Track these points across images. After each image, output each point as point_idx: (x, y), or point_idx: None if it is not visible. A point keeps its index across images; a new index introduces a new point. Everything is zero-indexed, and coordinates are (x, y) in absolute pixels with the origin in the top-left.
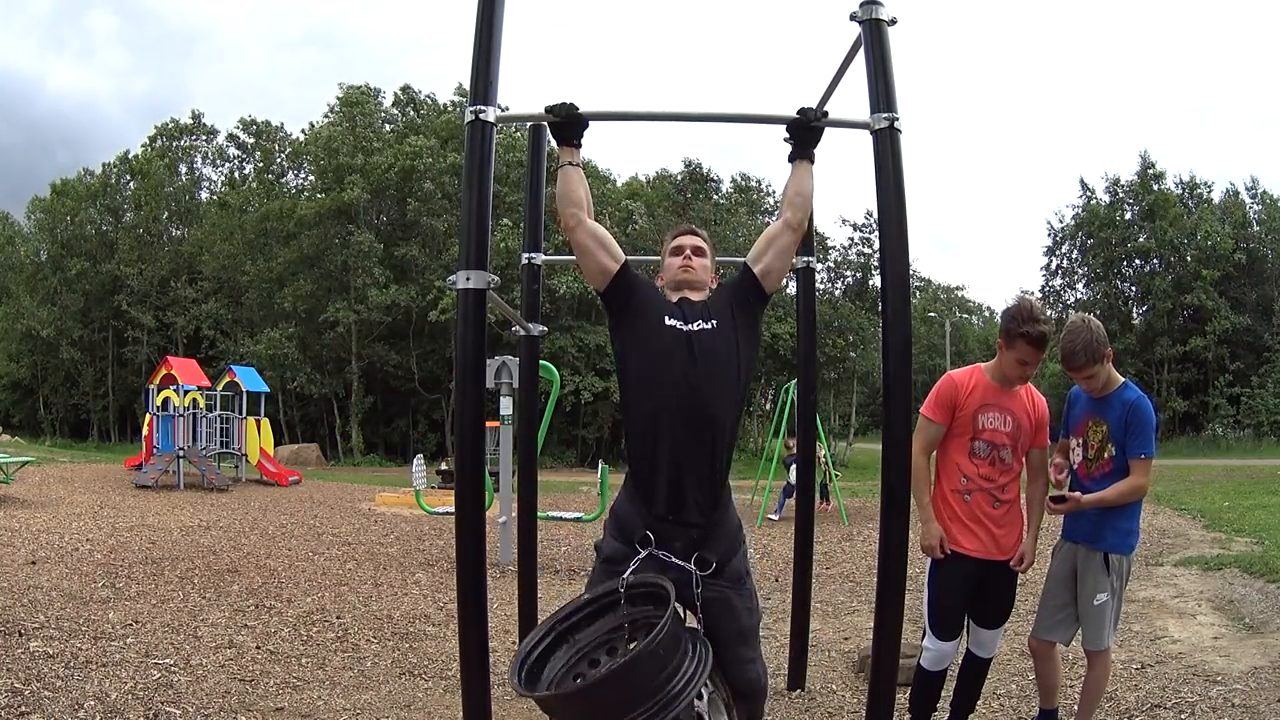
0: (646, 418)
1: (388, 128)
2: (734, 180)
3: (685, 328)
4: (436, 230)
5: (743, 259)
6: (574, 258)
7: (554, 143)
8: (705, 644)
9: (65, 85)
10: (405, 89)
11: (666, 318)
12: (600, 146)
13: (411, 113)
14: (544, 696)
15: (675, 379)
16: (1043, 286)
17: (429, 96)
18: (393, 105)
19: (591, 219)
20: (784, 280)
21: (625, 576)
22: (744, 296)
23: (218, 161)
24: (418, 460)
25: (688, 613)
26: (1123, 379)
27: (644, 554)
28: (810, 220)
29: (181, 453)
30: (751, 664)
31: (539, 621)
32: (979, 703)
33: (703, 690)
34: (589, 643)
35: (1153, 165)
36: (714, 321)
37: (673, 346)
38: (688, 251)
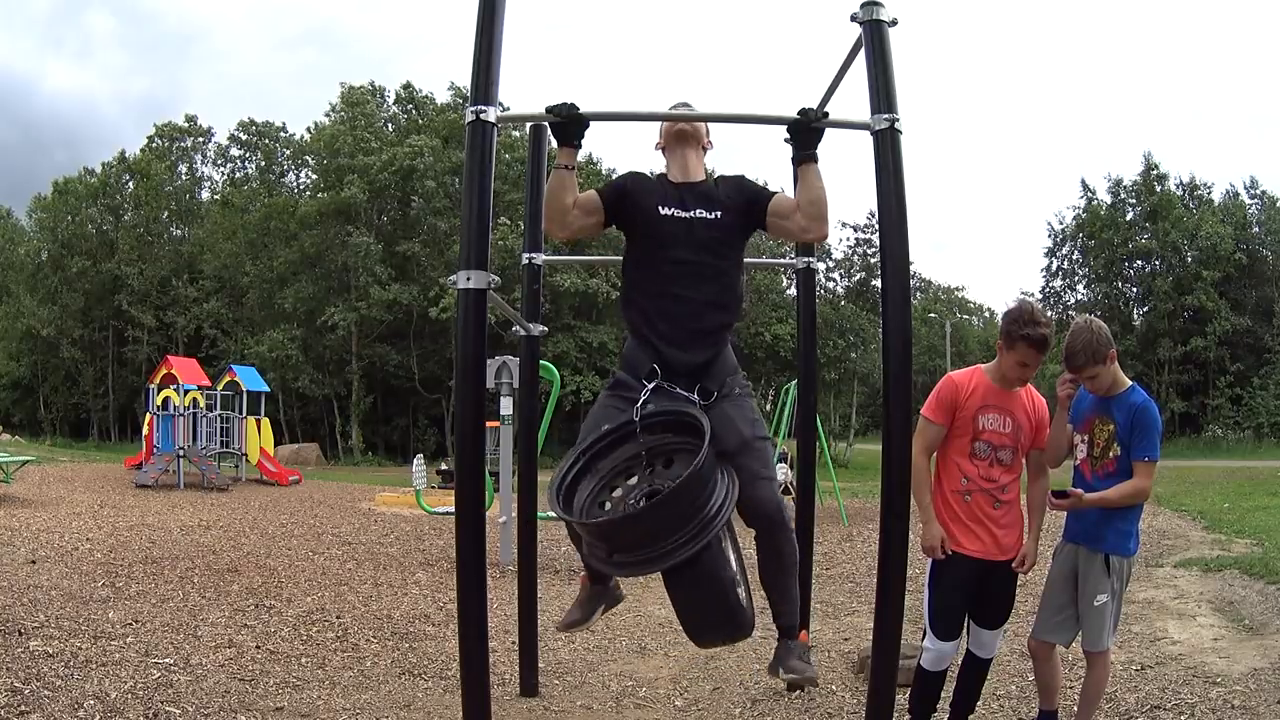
0: (646, 294)
1: (389, 128)
2: None
3: (685, 214)
4: (439, 229)
5: (752, 261)
6: (576, 258)
7: (554, 143)
8: (733, 473)
9: (63, 85)
10: (407, 86)
11: (661, 206)
12: (600, 146)
13: (413, 110)
14: (601, 523)
15: (675, 263)
16: (1043, 287)
17: (428, 95)
18: (394, 104)
19: (574, 213)
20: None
21: (639, 407)
22: (752, 214)
23: (219, 161)
24: (418, 460)
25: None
26: (1130, 382)
27: (651, 385)
28: None
29: (182, 452)
30: (765, 482)
31: (539, 623)
32: (979, 703)
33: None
34: (609, 470)
35: (1156, 166)
36: (718, 213)
37: (672, 236)
38: (681, 109)
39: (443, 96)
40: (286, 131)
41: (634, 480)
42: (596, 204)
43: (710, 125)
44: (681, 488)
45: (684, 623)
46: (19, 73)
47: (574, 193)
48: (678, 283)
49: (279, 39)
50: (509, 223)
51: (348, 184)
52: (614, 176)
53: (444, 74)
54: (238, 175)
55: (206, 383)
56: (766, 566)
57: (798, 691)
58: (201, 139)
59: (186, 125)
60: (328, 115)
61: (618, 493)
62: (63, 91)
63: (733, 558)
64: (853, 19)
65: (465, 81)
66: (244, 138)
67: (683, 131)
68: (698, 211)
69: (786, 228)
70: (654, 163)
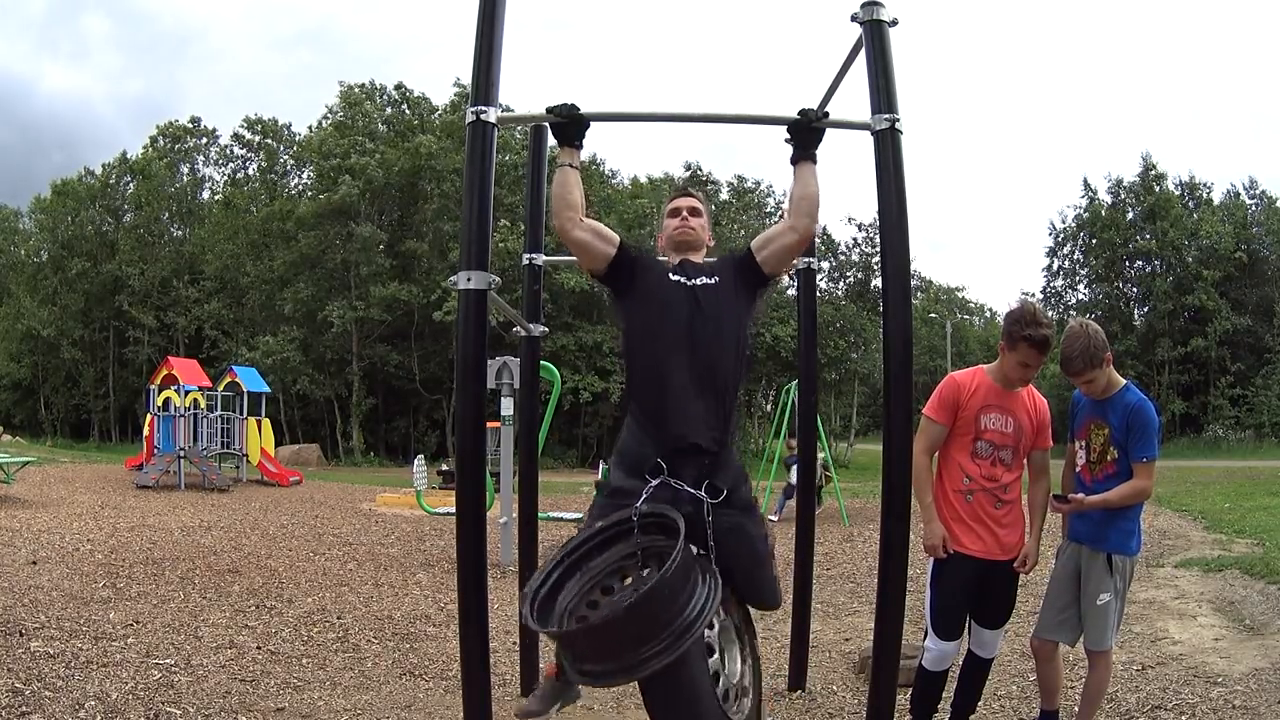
0: (653, 360)
1: (383, 128)
2: (729, 183)
3: (689, 282)
4: (442, 231)
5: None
6: (576, 258)
7: (554, 143)
8: (715, 574)
9: (59, 87)
10: (399, 86)
11: (669, 274)
12: (602, 147)
13: (407, 111)
14: (558, 633)
15: (680, 325)
16: (1044, 287)
17: (422, 95)
18: (388, 105)
19: (583, 217)
20: (785, 271)
21: (638, 505)
22: (744, 269)
23: (220, 161)
24: (418, 461)
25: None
26: (1124, 381)
27: (656, 482)
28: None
29: (182, 453)
30: (771, 584)
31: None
32: (979, 703)
33: (714, 620)
34: (601, 570)
35: (1154, 166)
36: (716, 279)
37: (676, 298)
38: (684, 212)
39: (445, 96)
40: (290, 131)
41: (629, 581)
42: (614, 240)
43: (708, 225)
44: (641, 599)
45: None
46: (16, 74)
47: (580, 190)
48: (681, 348)
49: (275, 39)
50: (508, 224)
51: (342, 183)
52: (614, 175)
53: (443, 75)
54: (239, 175)
55: (207, 384)
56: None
57: (798, 691)
58: (205, 139)
59: (190, 126)
60: (325, 116)
61: (612, 595)
62: (59, 93)
63: (738, 666)
64: (853, 19)
65: (467, 80)
66: (248, 136)
67: (685, 242)
68: (699, 280)
69: (779, 243)
70: (655, 162)
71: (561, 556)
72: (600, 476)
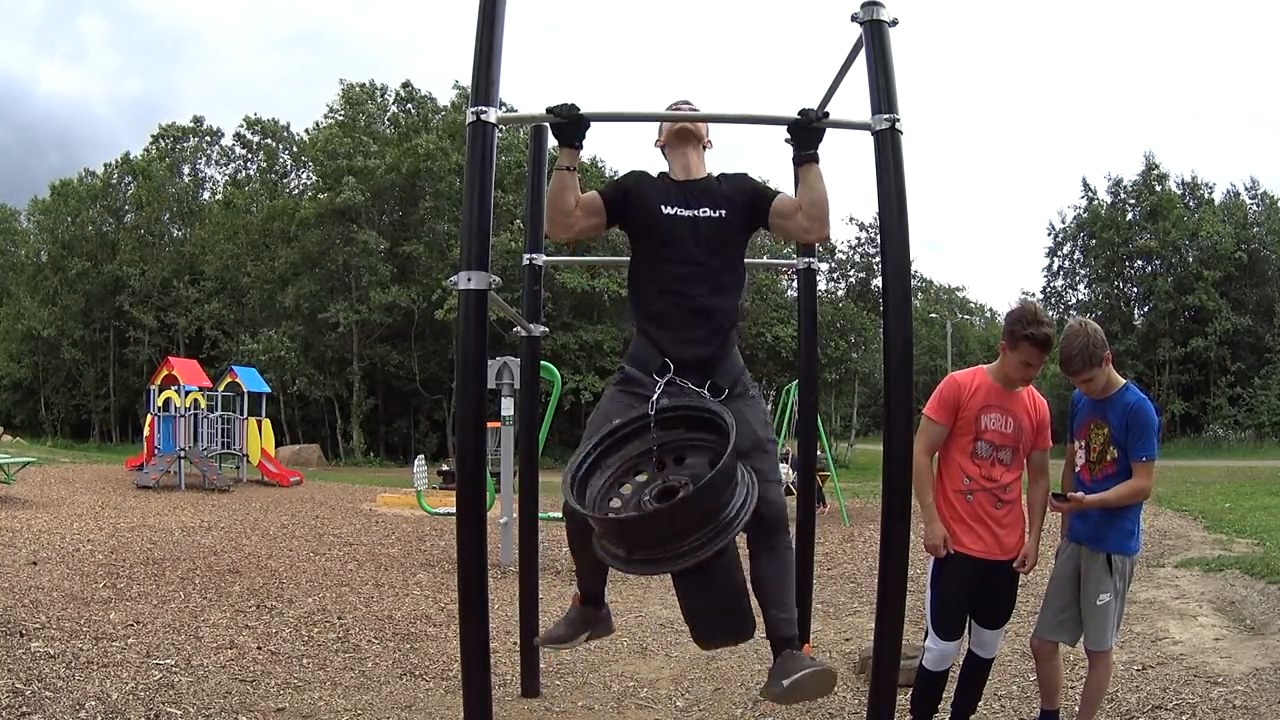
0: (653, 293)
1: (389, 129)
2: None
3: (688, 213)
4: (440, 231)
5: (752, 261)
6: (577, 259)
7: (555, 143)
8: (753, 476)
9: (57, 88)
10: (406, 85)
11: (664, 206)
12: (602, 147)
13: (412, 110)
14: (624, 519)
15: (680, 261)
16: (1044, 287)
17: (428, 95)
18: (394, 103)
19: (577, 213)
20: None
21: (653, 400)
22: (754, 213)
23: (221, 161)
24: (419, 461)
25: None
26: (1124, 381)
27: (665, 380)
28: None
29: (183, 453)
30: (774, 485)
31: (539, 623)
32: (980, 703)
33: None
34: (618, 466)
35: (1156, 166)
36: (722, 212)
37: (676, 234)
38: (682, 108)
39: (444, 97)
40: (290, 131)
41: (643, 477)
42: (599, 205)
43: (711, 126)
44: (708, 485)
45: (693, 624)
46: (13, 75)
47: (576, 194)
48: (683, 280)
49: (272, 40)
50: (520, 226)
51: (345, 185)
52: (616, 176)
53: (441, 75)
54: (240, 176)
55: (207, 384)
56: (769, 570)
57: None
58: (208, 139)
59: (192, 126)
60: (327, 116)
61: (627, 489)
62: (57, 94)
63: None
64: (853, 19)
65: (467, 81)
66: (249, 136)
67: (684, 129)
68: (702, 210)
69: (788, 228)
70: (654, 162)
71: (589, 449)
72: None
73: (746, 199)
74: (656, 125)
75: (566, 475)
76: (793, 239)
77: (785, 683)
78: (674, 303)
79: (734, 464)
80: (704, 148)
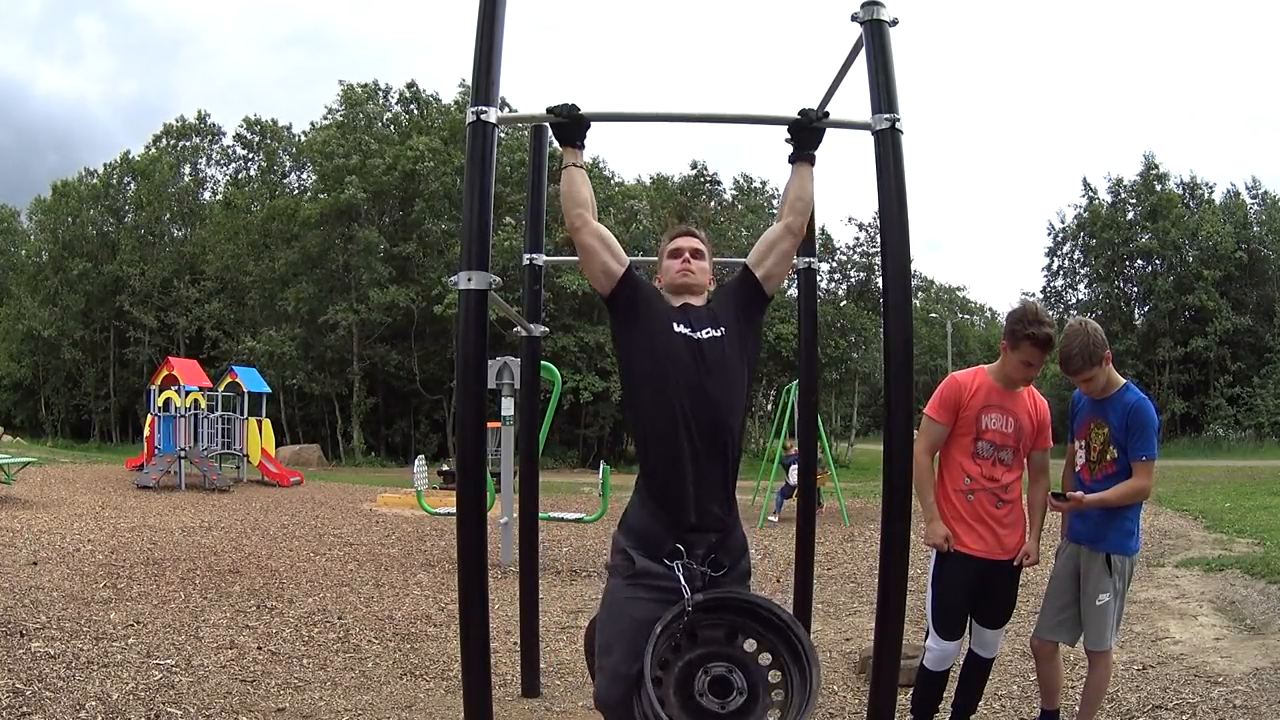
0: (664, 429)
1: (391, 129)
2: (735, 181)
3: (695, 335)
4: (437, 231)
5: (743, 260)
6: (576, 258)
7: (556, 143)
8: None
9: (54, 88)
10: (411, 85)
11: (675, 324)
12: (603, 148)
13: (415, 111)
14: None
15: (689, 388)
16: (1044, 287)
17: (433, 95)
18: (397, 103)
19: (595, 220)
20: (785, 281)
21: (690, 597)
22: (747, 300)
23: (222, 161)
24: (419, 461)
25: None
26: (1124, 380)
27: (677, 567)
28: (811, 221)
29: (183, 453)
30: None
31: (539, 623)
32: (980, 703)
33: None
34: (650, 664)
35: (1156, 166)
36: (722, 329)
37: (683, 354)
38: (686, 254)
39: (448, 96)
40: (291, 131)
41: (667, 668)
42: (624, 261)
43: (709, 268)
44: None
45: None
46: (11, 76)
47: (588, 188)
48: (693, 410)
49: (269, 41)
50: (511, 223)
51: (347, 184)
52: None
53: (436, 76)
54: (240, 176)
55: (208, 384)
56: None
57: None
58: (210, 138)
59: (196, 123)
60: (326, 116)
61: (662, 686)
62: (54, 94)
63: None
64: (853, 19)
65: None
66: (248, 136)
67: (686, 286)
68: (705, 332)
69: (778, 248)
70: (656, 163)
71: (649, 673)
72: (600, 477)
73: (732, 297)
74: (656, 125)
75: (650, 696)
76: (786, 259)
77: None
78: (683, 445)
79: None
80: (706, 294)
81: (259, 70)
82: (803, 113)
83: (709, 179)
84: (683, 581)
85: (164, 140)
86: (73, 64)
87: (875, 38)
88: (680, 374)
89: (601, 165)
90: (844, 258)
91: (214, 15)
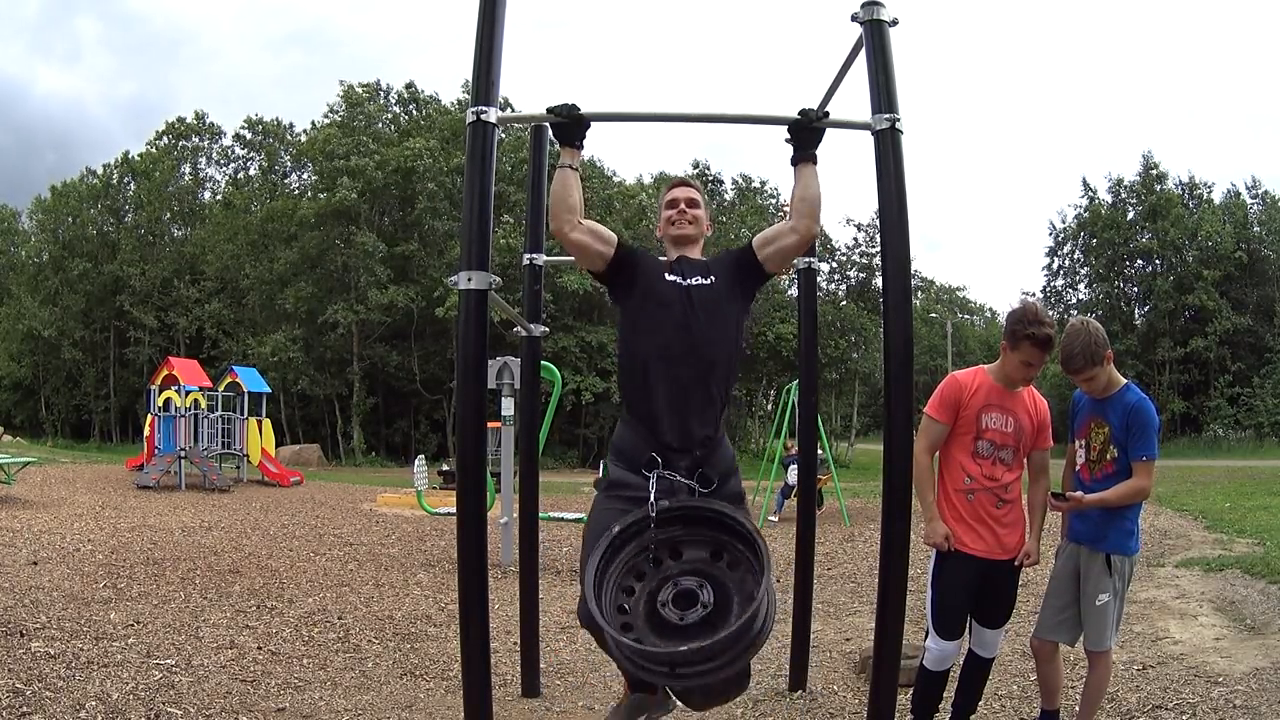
0: (646, 359)
1: (391, 129)
2: (735, 181)
3: (684, 282)
4: (438, 231)
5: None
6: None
7: (556, 144)
8: (773, 590)
9: (53, 89)
10: (409, 86)
11: (665, 274)
12: (603, 147)
13: (415, 111)
14: (671, 653)
15: (675, 325)
16: (1045, 287)
17: (433, 95)
18: (396, 104)
19: (582, 221)
20: (785, 273)
21: (654, 502)
22: (744, 270)
23: (222, 161)
24: (419, 461)
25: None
26: (1125, 380)
27: (655, 476)
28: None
29: (183, 453)
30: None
31: (539, 623)
32: (980, 703)
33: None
34: (620, 571)
35: (1155, 166)
36: (713, 278)
37: (672, 298)
38: (682, 204)
39: (449, 96)
40: (293, 132)
41: (644, 579)
42: (611, 239)
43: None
44: (753, 618)
45: (698, 696)
46: (10, 77)
47: (579, 192)
48: (677, 344)
49: (267, 40)
50: (511, 221)
51: (341, 185)
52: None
53: (439, 75)
54: (240, 175)
55: (208, 384)
56: None
57: (799, 691)
58: (210, 138)
59: (195, 123)
60: (326, 116)
61: (633, 594)
62: (53, 94)
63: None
64: (853, 19)
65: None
66: (249, 136)
67: (683, 235)
68: (694, 279)
69: (780, 244)
70: (654, 163)
71: (596, 564)
72: (601, 474)
73: (731, 262)
74: (656, 126)
75: (589, 595)
76: (786, 252)
77: None
78: (668, 371)
79: (771, 595)
80: (703, 242)
81: (257, 70)
82: (803, 113)
83: (711, 179)
84: (651, 490)
85: (164, 139)
86: (71, 64)
87: (875, 38)
88: (666, 314)
89: (600, 164)
90: (844, 258)
91: (212, 15)
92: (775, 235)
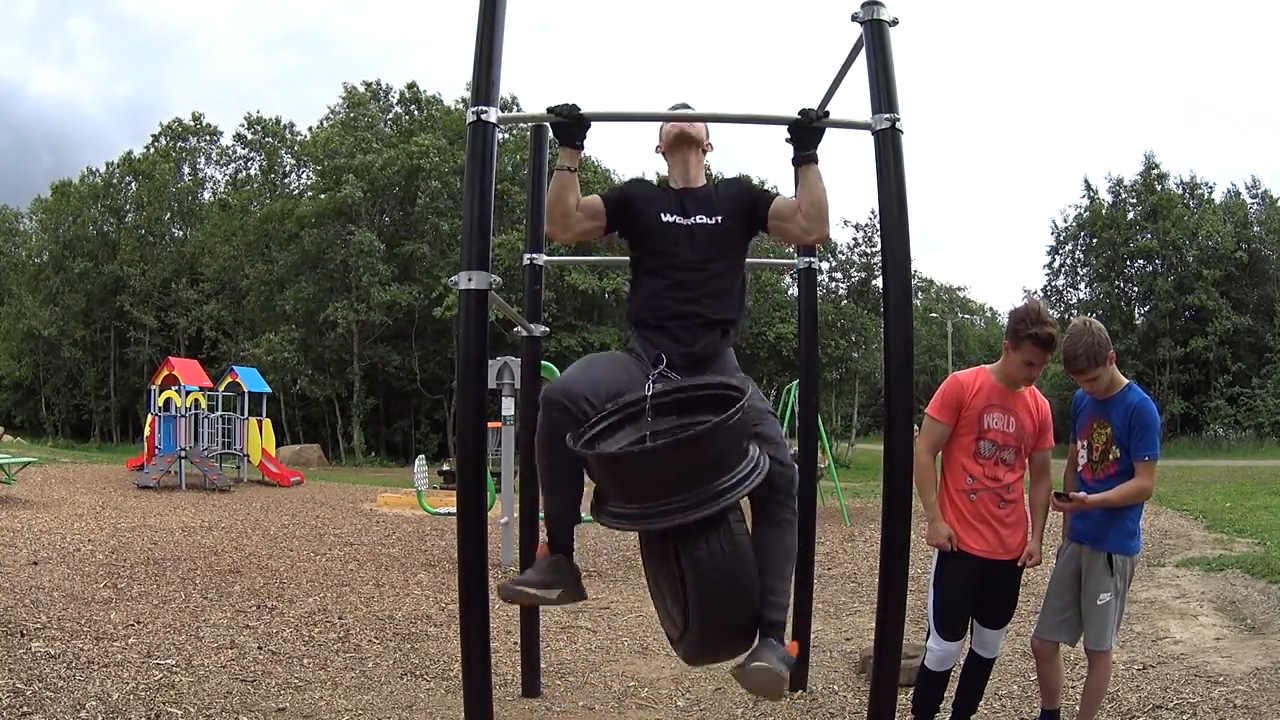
0: (653, 293)
1: (392, 129)
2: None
3: (686, 221)
4: (441, 230)
5: (753, 261)
6: (577, 259)
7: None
8: (767, 460)
9: (48, 90)
10: (411, 86)
11: (664, 214)
12: (604, 147)
13: (416, 111)
14: (616, 453)
15: (677, 270)
16: (1045, 286)
17: (435, 95)
18: (398, 104)
19: (575, 217)
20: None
21: (649, 389)
22: (748, 212)
23: (221, 161)
24: (419, 461)
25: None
26: (1127, 380)
27: (657, 370)
28: None
29: (183, 453)
30: (782, 447)
31: (539, 623)
32: (981, 703)
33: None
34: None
35: (1156, 165)
36: (718, 218)
37: (673, 240)
38: (681, 125)
39: (449, 97)
40: (294, 131)
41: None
42: (599, 208)
43: (711, 126)
44: (721, 425)
45: (696, 629)
46: (5, 79)
47: (576, 195)
48: (681, 287)
49: (263, 41)
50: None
51: (345, 183)
52: (619, 182)
53: (438, 75)
54: (240, 176)
55: (208, 384)
56: (769, 546)
57: (799, 692)
58: (209, 138)
59: (192, 124)
60: (328, 115)
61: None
62: (48, 96)
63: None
64: (853, 19)
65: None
66: (249, 136)
67: (683, 135)
68: (698, 218)
69: (787, 230)
70: (654, 163)
71: (586, 428)
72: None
73: (743, 203)
74: (656, 128)
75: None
76: (792, 241)
77: (743, 663)
78: (672, 310)
79: (745, 424)
80: (704, 151)
81: (253, 71)
82: (803, 113)
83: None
84: (650, 382)
85: (163, 140)
86: (66, 65)
87: (875, 38)
88: (669, 258)
89: (597, 163)
90: (844, 258)
91: (206, 16)
92: (787, 216)
